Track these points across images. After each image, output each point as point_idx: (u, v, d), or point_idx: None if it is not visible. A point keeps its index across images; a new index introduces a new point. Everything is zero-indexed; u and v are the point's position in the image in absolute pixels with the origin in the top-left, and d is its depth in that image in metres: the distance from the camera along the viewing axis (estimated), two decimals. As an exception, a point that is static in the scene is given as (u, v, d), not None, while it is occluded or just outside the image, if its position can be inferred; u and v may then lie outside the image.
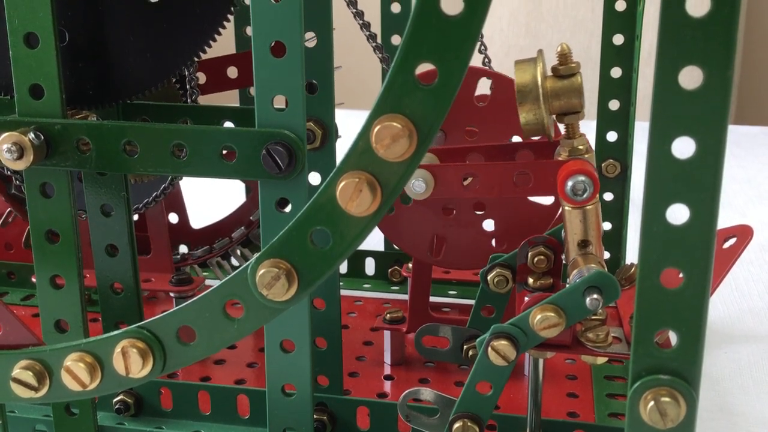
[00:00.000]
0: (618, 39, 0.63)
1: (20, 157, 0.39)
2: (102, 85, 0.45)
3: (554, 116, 0.42)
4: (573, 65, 0.41)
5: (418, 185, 0.45)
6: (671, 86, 0.29)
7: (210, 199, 0.81)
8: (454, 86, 0.32)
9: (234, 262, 0.70)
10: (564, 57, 0.41)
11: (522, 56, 0.42)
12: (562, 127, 0.44)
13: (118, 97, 0.45)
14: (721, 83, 0.29)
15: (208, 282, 0.65)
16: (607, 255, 0.68)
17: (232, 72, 0.60)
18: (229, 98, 0.65)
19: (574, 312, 0.39)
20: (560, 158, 0.43)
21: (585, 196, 0.40)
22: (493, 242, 0.55)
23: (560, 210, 0.43)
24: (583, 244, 0.42)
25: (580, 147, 0.43)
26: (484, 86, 0.54)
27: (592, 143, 0.65)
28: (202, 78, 0.60)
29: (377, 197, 0.34)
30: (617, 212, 0.66)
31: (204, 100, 0.58)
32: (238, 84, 0.61)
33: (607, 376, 0.57)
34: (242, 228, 0.69)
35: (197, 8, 0.43)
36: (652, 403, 0.32)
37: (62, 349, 0.39)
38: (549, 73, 0.42)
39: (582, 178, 0.40)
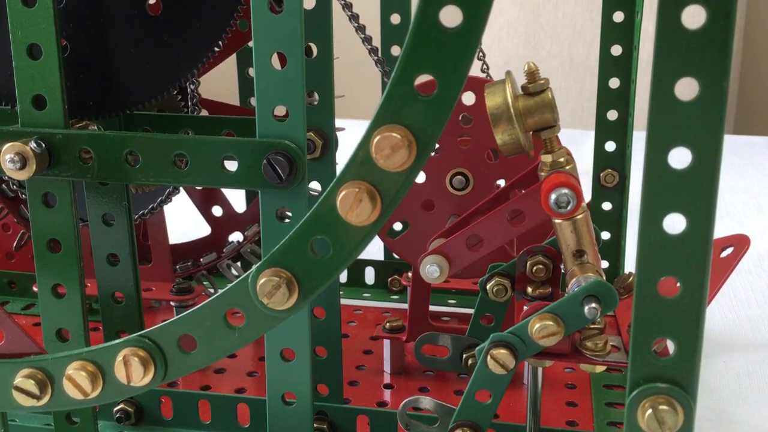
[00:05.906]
0: (616, 50, 0.64)
1: (23, 167, 0.40)
2: (104, 95, 0.45)
3: (530, 133, 0.42)
4: (542, 81, 0.41)
5: (431, 270, 0.44)
6: (667, 97, 0.30)
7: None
8: (453, 97, 0.32)
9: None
10: (532, 75, 0.41)
11: (521, 66, 0.42)
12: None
13: (120, 107, 0.46)
14: (717, 94, 0.29)
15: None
16: (605, 264, 0.68)
17: None
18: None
19: (572, 321, 0.39)
20: (542, 174, 0.43)
21: (569, 208, 0.40)
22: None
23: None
24: (578, 253, 0.42)
25: (561, 160, 0.42)
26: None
27: (591, 153, 0.66)
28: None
29: (377, 207, 0.34)
30: (616, 221, 0.67)
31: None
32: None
33: (606, 385, 0.57)
34: (188, 263, 0.67)
35: (198, 21, 0.44)
36: (650, 411, 0.33)
37: (64, 358, 0.40)
38: (519, 92, 0.42)
39: (565, 190, 0.40)
